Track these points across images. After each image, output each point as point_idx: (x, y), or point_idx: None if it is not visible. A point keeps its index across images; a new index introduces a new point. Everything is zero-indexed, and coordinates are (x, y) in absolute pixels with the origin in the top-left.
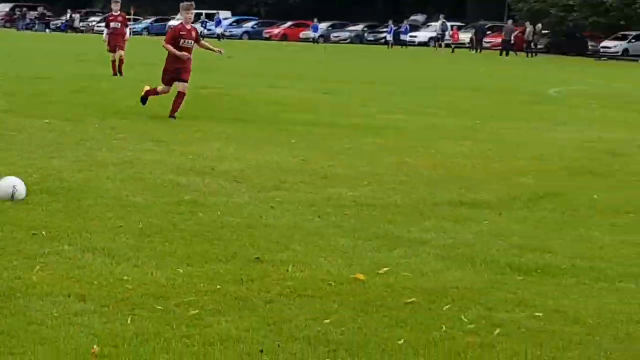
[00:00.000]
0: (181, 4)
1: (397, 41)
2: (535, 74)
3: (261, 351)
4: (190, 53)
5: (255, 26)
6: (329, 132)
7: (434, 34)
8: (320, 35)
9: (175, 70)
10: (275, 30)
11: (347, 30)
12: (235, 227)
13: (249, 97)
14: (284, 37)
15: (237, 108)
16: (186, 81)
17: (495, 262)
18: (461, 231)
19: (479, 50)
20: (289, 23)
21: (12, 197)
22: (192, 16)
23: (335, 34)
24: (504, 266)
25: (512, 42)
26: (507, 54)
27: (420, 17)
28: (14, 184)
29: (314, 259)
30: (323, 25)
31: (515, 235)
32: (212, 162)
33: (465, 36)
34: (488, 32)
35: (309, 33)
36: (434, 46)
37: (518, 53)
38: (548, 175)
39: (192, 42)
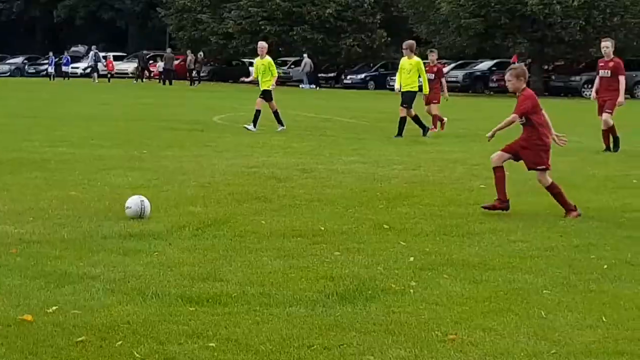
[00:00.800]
0: None
1: (60, 73)
2: (199, 102)
3: None
4: None
5: None
6: None
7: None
8: None
9: None
10: None
11: (7, 63)
12: None
13: None
14: None
15: None
16: None
17: (167, 293)
18: (131, 264)
19: (142, 80)
20: None
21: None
22: None
23: None
24: (175, 297)
25: (174, 70)
26: (170, 83)
27: (81, 48)
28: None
29: None
30: None
31: (186, 264)
32: None
33: (128, 66)
34: (151, 62)
35: None
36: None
37: (181, 81)
38: (215, 202)
39: None
